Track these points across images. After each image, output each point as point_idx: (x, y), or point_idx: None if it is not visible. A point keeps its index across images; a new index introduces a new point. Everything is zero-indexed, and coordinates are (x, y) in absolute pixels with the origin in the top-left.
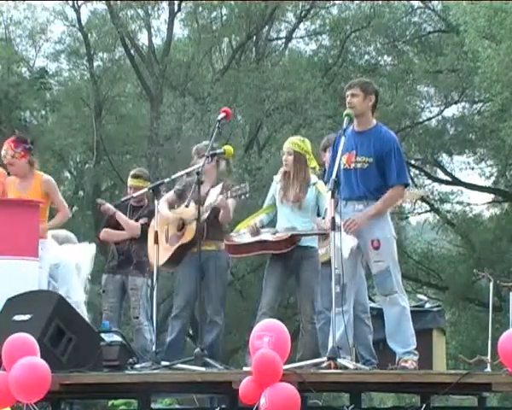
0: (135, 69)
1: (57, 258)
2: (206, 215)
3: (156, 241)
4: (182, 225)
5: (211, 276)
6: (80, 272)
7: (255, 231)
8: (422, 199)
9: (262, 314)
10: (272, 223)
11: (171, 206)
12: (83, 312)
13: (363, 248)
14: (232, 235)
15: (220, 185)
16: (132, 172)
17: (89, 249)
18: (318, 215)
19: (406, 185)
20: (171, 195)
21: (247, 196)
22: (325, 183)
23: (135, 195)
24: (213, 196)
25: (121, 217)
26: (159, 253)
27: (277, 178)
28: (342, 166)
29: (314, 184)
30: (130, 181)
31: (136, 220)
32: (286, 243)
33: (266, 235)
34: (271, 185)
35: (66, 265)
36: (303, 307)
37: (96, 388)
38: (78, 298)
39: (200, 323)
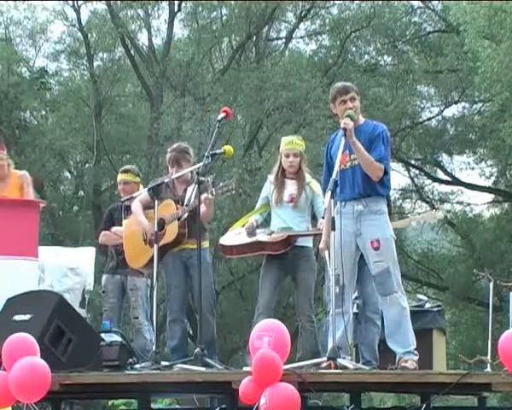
0: (135, 69)
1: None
2: (186, 215)
3: (157, 241)
4: (162, 225)
5: (196, 274)
6: (79, 274)
7: (252, 230)
8: (434, 208)
9: (259, 315)
10: (266, 223)
11: (145, 206)
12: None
13: (363, 248)
14: (228, 233)
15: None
16: (122, 168)
17: (88, 253)
18: (313, 215)
19: (386, 172)
20: (144, 195)
21: (234, 192)
22: (324, 190)
23: (134, 195)
24: (189, 194)
25: (119, 232)
26: (137, 254)
27: (272, 177)
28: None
29: (308, 183)
30: (120, 176)
31: None
32: (282, 244)
33: (262, 236)
34: (265, 185)
35: (52, 258)
36: (301, 307)
37: (96, 388)
38: (60, 288)
39: (198, 323)
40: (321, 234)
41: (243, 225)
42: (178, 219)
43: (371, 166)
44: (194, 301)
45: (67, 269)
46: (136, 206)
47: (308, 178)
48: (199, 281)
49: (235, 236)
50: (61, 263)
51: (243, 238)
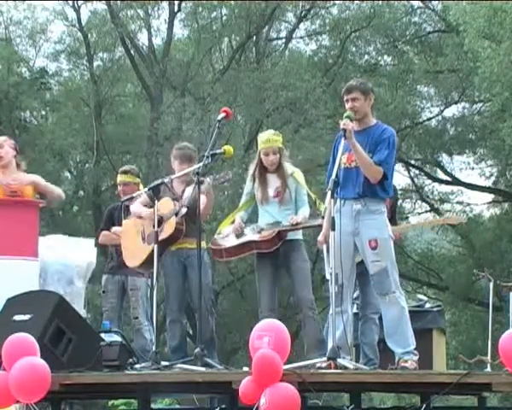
0: (135, 69)
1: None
2: (183, 211)
3: (156, 240)
4: (160, 222)
5: (195, 274)
6: (83, 276)
7: (240, 231)
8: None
9: (263, 318)
10: (252, 218)
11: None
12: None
13: (361, 248)
14: (216, 238)
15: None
16: (121, 169)
17: (87, 244)
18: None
19: (385, 177)
20: (144, 197)
21: (231, 182)
22: (327, 183)
23: (134, 195)
24: (188, 194)
25: (119, 232)
26: (135, 253)
27: (251, 172)
28: (343, 166)
29: (291, 174)
30: (119, 177)
31: None
32: (274, 241)
33: (252, 234)
34: (247, 181)
35: (57, 263)
36: (300, 294)
37: (96, 388)
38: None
39: (198, 323)
40: (310, 226)
41: (232, 222)
42: (176, 215)
43: (369, 169)
44: (192, 301)
45: (73, 275)
46: (135, 206)
47: (290, 168)
48: (198, 281)
49: (224, 238)
50: (64, 269)
51: (232, 240)
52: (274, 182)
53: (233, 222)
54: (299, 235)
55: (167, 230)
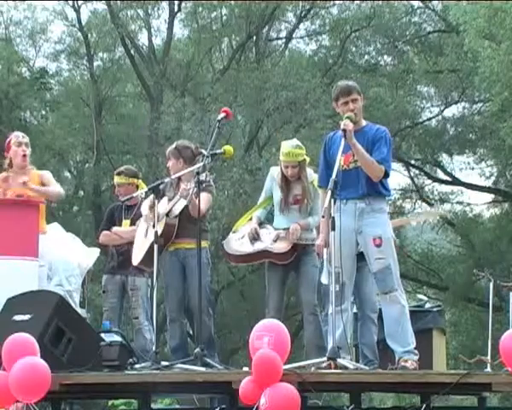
0: (135, 69)
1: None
2: (176, 212)
3: (157, 241)
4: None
5: (193, 274)
6: (80, 265)
7: (254, 237)
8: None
9: (270, 318)
10: (269, 216)
11: (151, 206)
12: (74, 302)
13: (364, 245)
14: (231, 237)
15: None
16: (116, 170)
17: (93, 252)
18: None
19: (386, 174)
20: (151, 198)
21: (212, 188)
22: (319, 186)
23: (134, 195)
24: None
25: (120, 232)
26: (138, 251)
27: (274, 173)
28: (341, 168)
29: (311, 182)
30: (114, 178)
31: (132, 220)
32: (287, 255)
33: (267, 239)
34: (268, 179)
35: (61, 255)
36: (304, 298)
37: (96, 388)
38: (69, 287)
39: (196, 323)
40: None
41: (250, 219)
42: (167, 215)
43: (371, 167)
44: (189, 302)
45: (76, 267)
46: (143, 209)
47: (311, 176)
48: (198, 281)
49: (239, 241)
50: (70, 260)
51: (248, 246)
52: (295, 189)
53: (251, 220)
54: (311, 241)
55: (159, 230)
